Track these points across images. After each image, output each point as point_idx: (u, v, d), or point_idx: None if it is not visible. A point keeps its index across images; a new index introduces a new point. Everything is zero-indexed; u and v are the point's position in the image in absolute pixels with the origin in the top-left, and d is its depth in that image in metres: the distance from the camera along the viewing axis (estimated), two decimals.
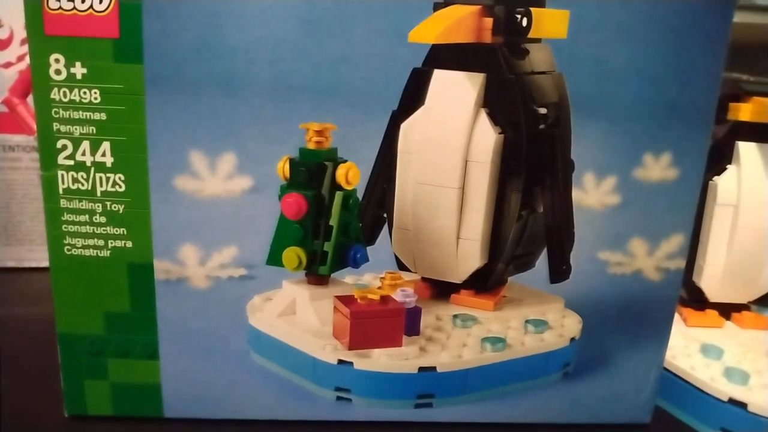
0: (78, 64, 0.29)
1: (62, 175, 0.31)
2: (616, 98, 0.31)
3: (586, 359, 0.35)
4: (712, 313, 0.41)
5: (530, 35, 0.31)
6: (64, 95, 0.30)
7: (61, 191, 0.31)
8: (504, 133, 0.33)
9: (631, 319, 0.34)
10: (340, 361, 0.32)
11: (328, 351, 0.32)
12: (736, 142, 0.39)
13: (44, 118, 0.30)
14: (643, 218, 0.33)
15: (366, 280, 0.35)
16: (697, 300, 0.41)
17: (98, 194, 0.31)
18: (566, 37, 0.31)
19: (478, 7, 0.31)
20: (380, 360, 0.32)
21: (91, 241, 0.31)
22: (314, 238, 0.32)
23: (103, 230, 0.31)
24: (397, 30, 0.30)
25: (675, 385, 0.36)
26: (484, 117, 0.33)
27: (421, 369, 0.32)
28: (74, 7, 0.29)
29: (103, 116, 0.30)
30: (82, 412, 0.34)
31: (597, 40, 0.31)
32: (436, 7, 0.30)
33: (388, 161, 0.34)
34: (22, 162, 0.52)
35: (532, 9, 0.31)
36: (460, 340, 0.33)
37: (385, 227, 0.35)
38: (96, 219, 0.31)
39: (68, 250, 0.31)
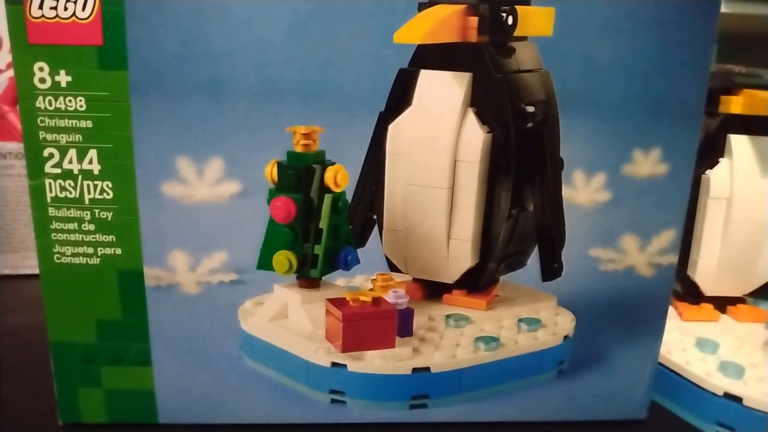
0: (62, 72, 0.29)
1: (50, 184, 0.30)
2: (603, 95, 0.31)
3: (580, 357, 0.35)
4: (708, 307, 0.41)
5: (516, 33, 0.31)
6: (50, 103, 0.30)
7: (49, 200, 0.31)
8: (492, 132, 0.32)
9: (624, 316, 0.34)
10: (334, 364, 0.32)
11: (322, 354, 0.32)
12: (728, 135, 0.39)
13: (30, 126, 0.30)
14: (634, 214, 0.33)
15: (357, 282, 0.35)
16: (692, 294, 0.41)
17: (86, 202, 0.31)
18: (552, 35, 0.31)
19: (463, 6, 0.31)
20: (374, 362, 0.32)
21: (80, 249, 0.31)
22: (304, 241, 0.32)
23: (93, 238, 0.31)
24: (382, 31, 0.30)
25: (670, 380, 0.36)
26: (471, 116, 0.32)
27: (414, 370, 0.32)
28: (57, 15, 0.29)
29: (89, 124, 0.30)
30: (76, 420, 0.34)
31: (583, 37, 0.30)
32: (421, 7, 0.30)
33: (376, 163, 0.33)
34: (15, 169, 0.52)
35: (517, 7, 0.31)
36: (454, 340, 0.33)
37: (376, 229, 0.35)
38: (85, 227, 0.31)
39: (58, 258, 0.31)
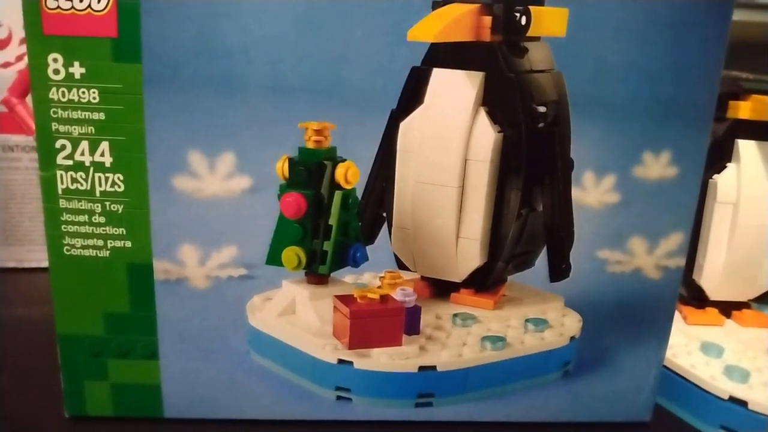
0: (76, 63, 0.29)
1: (61, 175, 0.31)
2: (615, 96, 0.31)
3: (586, 358, 0.35)
4: (713, 311, 0.41)
5: (529, 34, 0.31)
6: (63, 95, 0.30)
7: (60, 191, 0.31)
8: (503, 131, 0.33)
9: (630, 318, 0.34)
10: (340, 361, 0.32)
11: (328, 350, 0.32)
12: (736, 140, 0.39)
13: (43, 117, 0.30)
14: (643, 217, 0.33)
15: (366, 279, 0.35)
16: (697, 298, 0.41)
17: (97, 194, 0.31)
18: (565, 36, 0.31)
19: (477, 5, 0.31)
20: (380, 359, 0.32)
21: (90, 242, 0.31)
22: (314, 237, 0.32)
23: (103, 230, 0.31)
24: (395, 29, 0.30)
25: (675, 383, 0.36)
26: (483, 116, 0.32)
27: (421, 368, 0.32)
28: (72, 7, 0.29)
29: (102, 116, 0.30)
30: (82, 413, 0.34)
31: (596, 39, 0.31)
32: (435, 5, 0.30)
33: (387, 160, 0.34)
34: (22, 162, 0.52)
35: (531, 7, 0.31)
36: (460, 339, 0.33)
37: (385, 226, 0.35)
38: (95, 219, 0.31)
39: (68, 250, 0.31)
